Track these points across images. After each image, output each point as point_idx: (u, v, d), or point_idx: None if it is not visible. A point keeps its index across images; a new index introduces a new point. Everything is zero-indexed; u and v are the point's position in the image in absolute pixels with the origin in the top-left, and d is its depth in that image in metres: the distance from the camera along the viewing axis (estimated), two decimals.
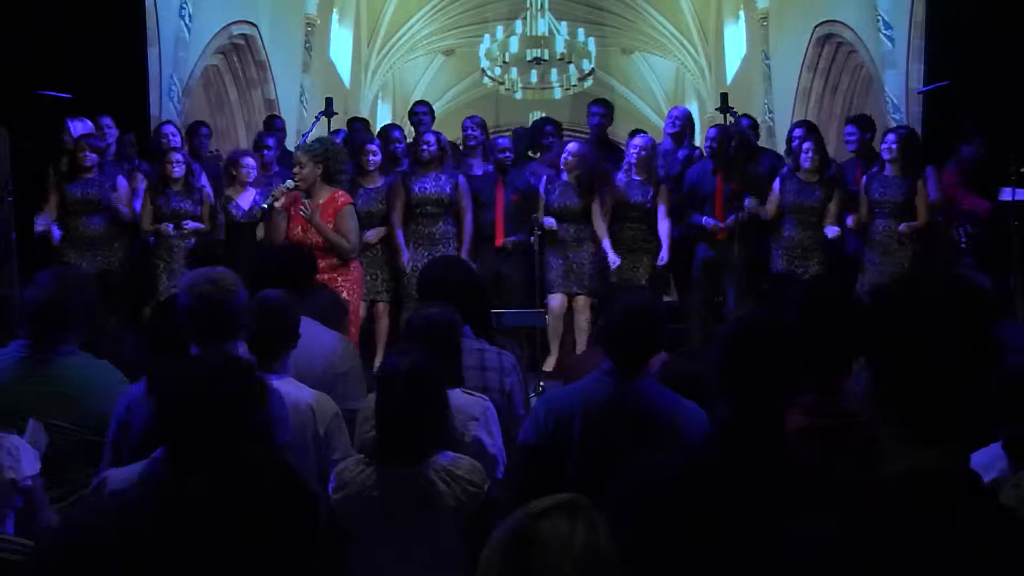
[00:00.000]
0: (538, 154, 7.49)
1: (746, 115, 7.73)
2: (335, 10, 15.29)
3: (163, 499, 2.00)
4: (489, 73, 15.81)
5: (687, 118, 7.52)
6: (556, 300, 6.53)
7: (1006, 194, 6.17)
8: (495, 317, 5.14)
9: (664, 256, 6.60)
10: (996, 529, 1.34)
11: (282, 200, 5.25)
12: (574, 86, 15.88)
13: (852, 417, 2.41)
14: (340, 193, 5.43)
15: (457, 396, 3.19)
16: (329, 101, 8.24)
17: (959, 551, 1.31)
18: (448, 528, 2.65)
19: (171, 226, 6.35)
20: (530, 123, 9.14)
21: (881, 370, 1.40)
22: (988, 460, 2.44)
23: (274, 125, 8.20)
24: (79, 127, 6.61)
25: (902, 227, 6.25)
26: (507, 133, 8.53)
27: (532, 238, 6.46)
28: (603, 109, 7.61)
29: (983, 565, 1.30)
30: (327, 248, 5.21)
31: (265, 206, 5.35)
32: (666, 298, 7.06)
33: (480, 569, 1.51)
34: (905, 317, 1.38)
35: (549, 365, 6.40)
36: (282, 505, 1.73)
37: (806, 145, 6.52)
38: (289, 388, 3.17)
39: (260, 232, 6.29)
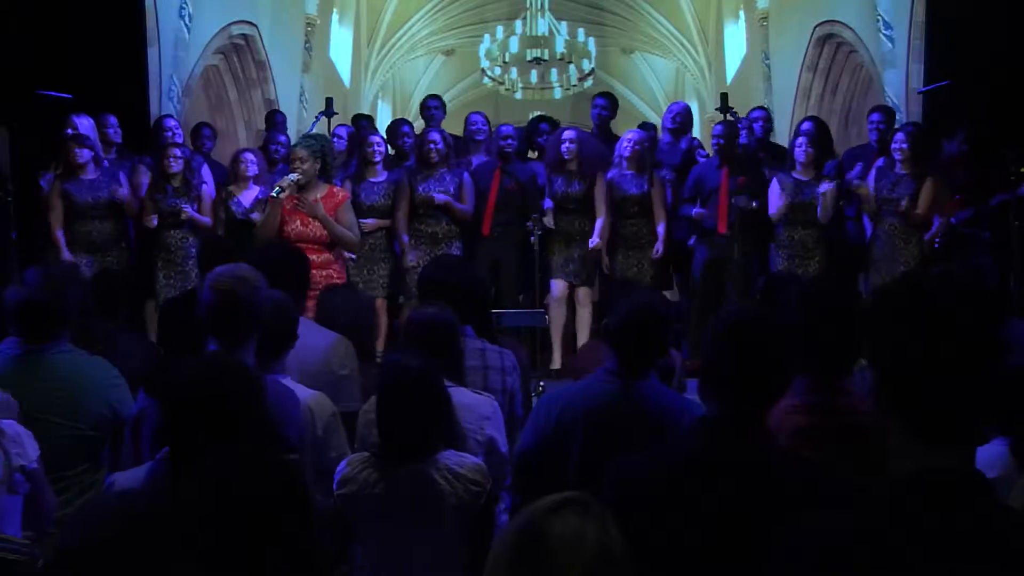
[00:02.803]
0: (536, 154, 7.47)
1: (760, 107, 7.73)
2: (335, 10, 15.28)
3: (164, 500, 2.01)
4: (489, 73, 15.80)
5: (687, 113, 7.52)
6: (558, 286, 6.55)
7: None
8: (495, 317, 5.16)
9: (659, 248, 6.58)
10: (1000, 529, 1.33)
11: (287, 192, 5.13)
12: (574, 86, 15.87)
13: (852, 417, 2.41)
14: (337, 188, 5.41)
15: (466, 395, 3.20)
16: (329, 101, 8.25)
17: (963, 551, 1.31)
18: (450, 526, 2.65)
19: (155, 218, 6.29)
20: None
21: (885, 371, 1.40)
22: (988, 459, 2.44)
23: (275, 120, 8.25)
24: (84, 124, 6.58)
25: (904, 203, 6.21)
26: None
27: (532, 237, 6.47)
28: (607, 102, 7.64)
29: (986, 565, 1.30)
30: (327, 243, 5.16)
31: (274, 195, 5.12)
32: (668, 296, 7.05)
33: (489, 566, 1.50)
34: (908, 317, 1.38)
35: (556, 363, 6.41)
36: (272, 501, 1.72)
37: (799, 140, 6.52)
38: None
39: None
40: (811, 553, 1.39)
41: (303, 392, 3.18)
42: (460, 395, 3.17)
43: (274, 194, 5.11)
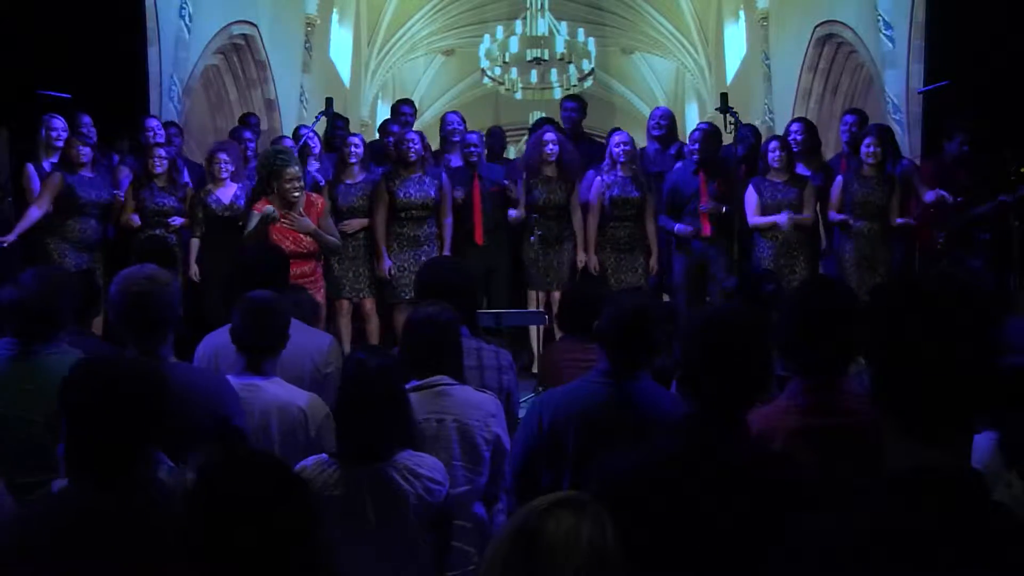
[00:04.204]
0: None
1: (749, 124, 7.71)
2: (335, 10, 15.29)
3: (61, 509, 1.98)
4: (489, 73, 15.80)
5: (671, 117, 7.51)
6: (532, 298, 6.57)
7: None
8: (496, 317, 5.17)
9: (655, 264, 6.66)
10: (998, 529, 1.33)
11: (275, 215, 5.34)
12: (574, 86, 15.84)
13: (848, 417, 2.41)
14: (314, 196, 5.65)
15: (471, 393, 3.18)
16: (329, 101, 8.23)
17: (959, 551, 1.31)
18: (410, 526, 2.63)
19: (135, 216, 6.31)
20: (530, 123, 9.16)
21: (883, 370, 1.40)
22: (975, 451, 2.44)
23: (248, 122, 8.28)
24: (58, 125, 6.51)
25: (899, 222, 6.28)
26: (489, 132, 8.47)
27: (532, 238, 6.48)
28: (576, 104, 7.68)
29: (983, 565, 1.30)
30: (315, 253, 5.44)
31: (272, 214, 5.35)
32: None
33: (486, 565, 1.51)
34: (906, 317, 1.38)
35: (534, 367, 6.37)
36: (278, 504, 1.71)
37: (772, 144, 6.55)
38: (279, 390, 3.16)
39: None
40: (810, 553, 1.39)
41: (297, 394, 3.17)
42: (465, 393, 3.16)
43: (272, 214, 5.31)
